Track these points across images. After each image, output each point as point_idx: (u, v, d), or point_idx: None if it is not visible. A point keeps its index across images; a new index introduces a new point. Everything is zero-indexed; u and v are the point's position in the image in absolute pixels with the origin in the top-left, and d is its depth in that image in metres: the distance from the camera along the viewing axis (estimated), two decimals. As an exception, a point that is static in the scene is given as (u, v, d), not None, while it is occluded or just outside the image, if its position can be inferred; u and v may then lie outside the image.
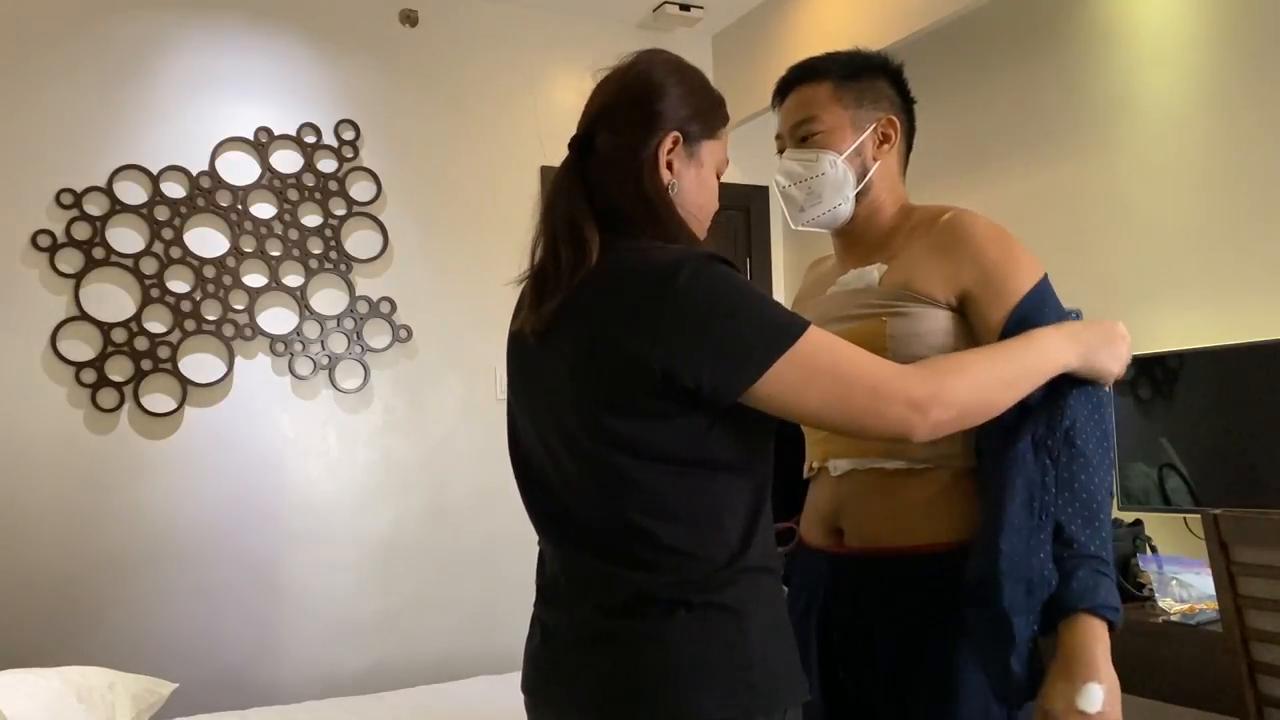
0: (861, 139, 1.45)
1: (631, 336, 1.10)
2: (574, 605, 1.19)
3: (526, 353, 1.24)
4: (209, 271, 3.32)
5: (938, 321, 1.36)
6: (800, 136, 1.47)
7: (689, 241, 1.18)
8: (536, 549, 1.29)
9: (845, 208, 1.46)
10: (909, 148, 1.53)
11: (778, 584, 1.21)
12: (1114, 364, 1.29)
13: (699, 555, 1.13)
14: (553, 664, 1.22)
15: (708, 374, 1.09)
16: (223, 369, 3.32)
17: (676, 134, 1.21)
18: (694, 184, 1.24)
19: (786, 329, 1.10)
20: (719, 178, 1.29)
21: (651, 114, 1.21)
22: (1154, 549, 2.58)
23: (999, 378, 1.19)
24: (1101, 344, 1.28)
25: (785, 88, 1.51)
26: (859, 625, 1.41)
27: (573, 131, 1.26)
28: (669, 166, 1.21)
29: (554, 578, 1.24)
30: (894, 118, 1.48)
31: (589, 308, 1.14)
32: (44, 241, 3.13)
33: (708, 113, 1.25)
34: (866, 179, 1.46)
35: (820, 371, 1.09)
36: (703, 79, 1.27)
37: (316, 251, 3.47)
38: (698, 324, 1.09)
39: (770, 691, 1.13)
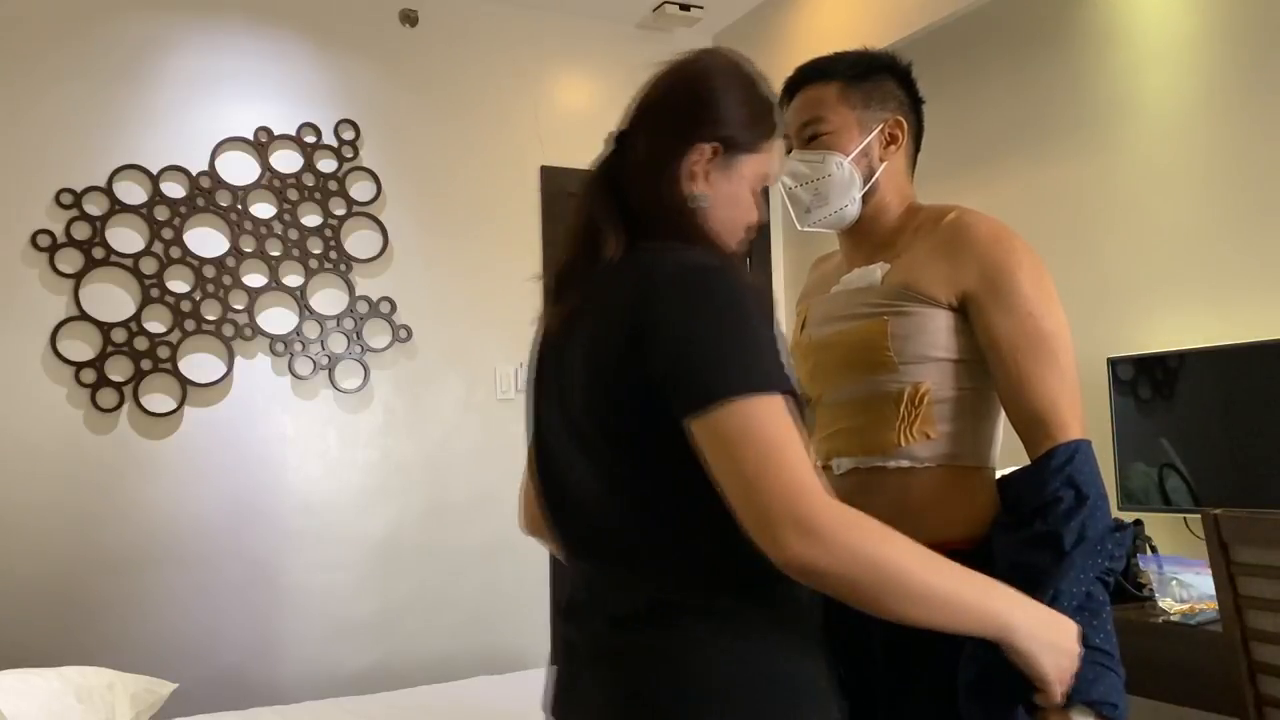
0: (868, 140, 1.45)
1: (636, 334, 1.05)
2: (589, 618, 1.15)
3: (549, 349, 1.20)
4: (209, 271, 3.32)
5: (939, 321, 1.36)
6: (807, 137, 1.47)
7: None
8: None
9: (852, 209, 1.46)
10: (917, 148, 1.53)
11: (801, 595, 1.12)
12: (1049, 668, 1.10)
13: (715, 565, 1.07)
14: (571, 681, 1.17)
15: (667, 377, 1.03)
16: (223, 369, 3.32)
17: (714, 145, 1.16)
18: (726, 198, 1.18)
19: (762, 376, 1.01)
20: (764, 189, 1.23)
21: (692, 120, 1.17)
22: (1154, 549, 2.58)
23: (918, 585, 1.01)
24: (1050, 639, 1.10)
25: (792, 88, 1.51)
26: (860, 623, 1.40)
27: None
28: (704, 178, 1.16)
29: (574, 590, 1.20)
30: (901, 118, 1.47)
31: (603, 305, 1.10)
32: (44, 241, 3.13)
33: (753, 125, 1.19)
34: (873, 180, 1.46)
35: (756, 440, 0.98)
36: (756, 88, 1.21)
37: (316, 251, 3.47)
38: (686, 330, 1.03)
39: (794, 707, 1.07)
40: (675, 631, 1.07)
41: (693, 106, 1.17)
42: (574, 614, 1.19)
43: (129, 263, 3.22)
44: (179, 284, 3.28)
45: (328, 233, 3.49)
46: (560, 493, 1.18)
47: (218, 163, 3.37)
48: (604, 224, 1.15)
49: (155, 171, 3.27)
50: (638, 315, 1.05)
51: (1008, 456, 1.41)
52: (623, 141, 1.19)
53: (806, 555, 0.97)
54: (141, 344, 3.22)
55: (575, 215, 1.19)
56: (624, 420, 1.08)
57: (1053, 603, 1.19)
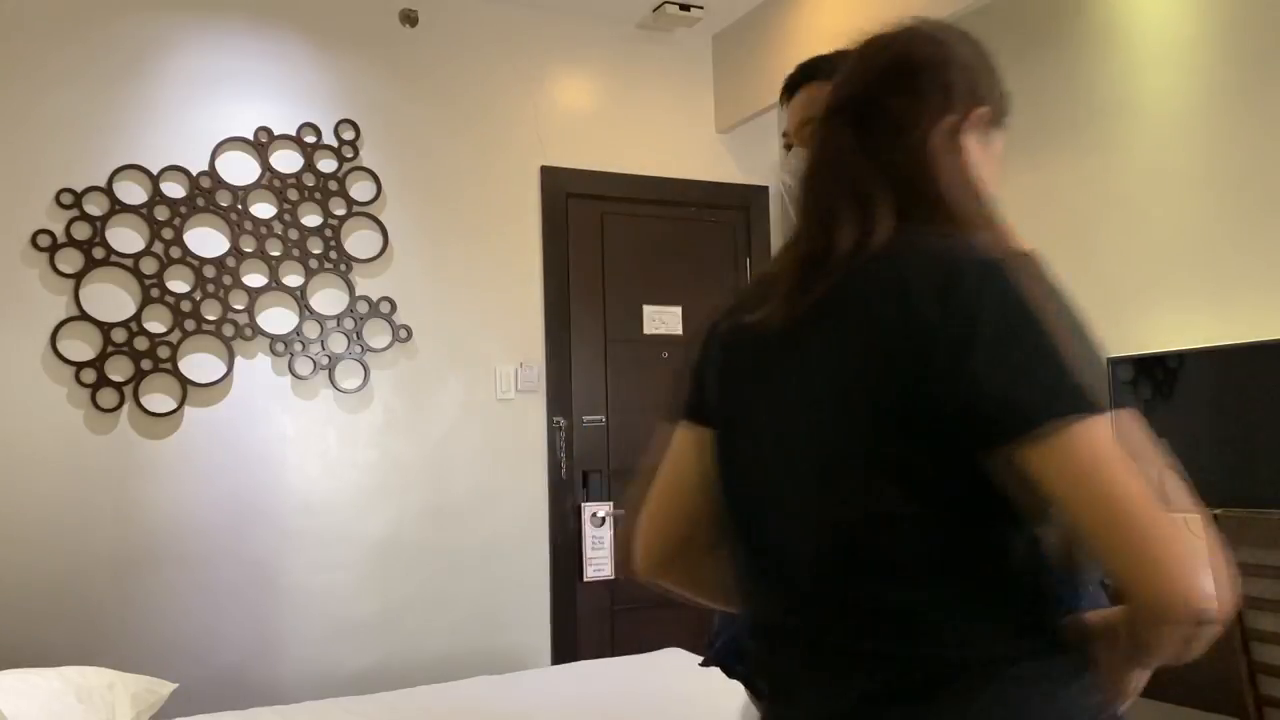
0: (868, 139, 1.45)
1: (924, 334, 0.86)
2: (821, 693, 0.93)
3: (764, 353, 0.98)
4: (209, 271, 3.32)
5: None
6: (807, 135, 1.47)
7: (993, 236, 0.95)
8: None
9: (851, 208, 1.46)
10: (917, 147, 1.53)
11: (1083, 664, 0.92)
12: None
13: (986, 622, 0.88)
14: None
15: (992, 392, 0.84)
16: (223, 369, 3.32)
17: (984, 110, 1.00)
18: (989, 175, 1.02)
19: (1099, 393, 0.84)
20: None
21: (953, 85, 0.99)
22: (1154, 549, 2.58)
23: None
24: None
25: (793, 85, 1.51)
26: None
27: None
28: (973, 150, 1.00)
29: (783, 652, 0.97)
30: (901, 118, 1.47)
31: (872, 297, 0.90)
32: (44, 241, 3.13)
33: (1002, 98, 1.04)
34: (873, 179, 1.46)
35: (1124, 467, 0.82)
36: (991, 57, 1.07)
37: (316, 251, 3.47)
38: (1004, 333, 0.85)
39: None
40: (961, 706, 0.87)
41: (951, 67, 1.00)
42: (788, 683, 0.97)
43: (129, 263, 3.22)
44: (179, 284, 3.28)
45: (328, 233, 3.49)
46: (783, 534, 0.96)
47: (218, 163, 3.37)
48: (872, 201, 0.95)
49: (155, 171, 3.27)
50: (943, 315, 0.86)
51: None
52: (858, 112, 1.00)
53: (1210, 597, 0.79)
54: (141, 344, 3.22)
55: (812, 194, 1.01)
56: (904, 444, 0.88)
57: None
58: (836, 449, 0.91)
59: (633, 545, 1.13)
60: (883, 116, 0.98)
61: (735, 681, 1.67)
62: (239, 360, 3.36)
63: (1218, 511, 1.96)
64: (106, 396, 3.18)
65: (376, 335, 3.55)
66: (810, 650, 0.94)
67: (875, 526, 0.89)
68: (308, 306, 3.45)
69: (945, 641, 0.88)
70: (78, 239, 3.17)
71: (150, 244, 3.25)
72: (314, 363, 3.45)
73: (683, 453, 1.09)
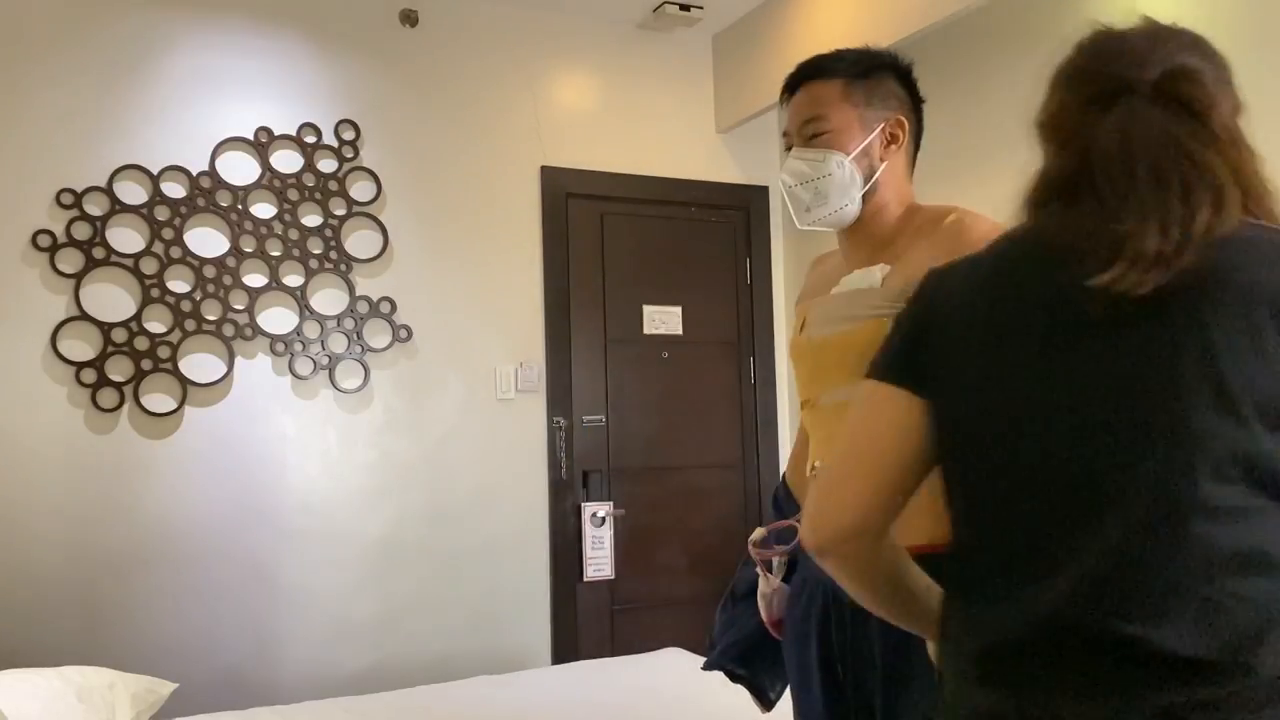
0: (869, 139, 1.45)
1: None
2: (1103, 706, 0.86)
3: (1082, 325, 0.91)
4: (209, 271, 3.32)
5: (941, 323, 1.36)
6: (808, 134, 1.47)
7: None
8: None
9: (851, 209, 1.46)
10: (917, 147, 1.53)
11: None
12: None
13: None
14: None
15: None
16: (223, 369, 3.32)
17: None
18: None
19: None
20: None
21: (1231, 83, 1.02)
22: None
23: None
24: None
25: (794, 84, 1.51)
26: (859, 624, 1.41)
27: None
28: None
29: (1041, 660, 0.90)
30: (902, 118, 1.48)
31: (1250, 278, 0.88)
32: (44, 241, 3.13)
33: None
34: (873, 180, 1.46)
35: None
36: None
37: (316, 251, 3.47)
38: None
39: None
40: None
41: (1230, 72, 1.02)
42: (1059, 697, 0.89)
43: (129, 263, 3.22)
44: (179, 284, 3.28)
45: (328, 233, 3.49)
46: (1067, 523, 0.90)
47: (218, 163, 3.37)
48: (1218, 188, 0.93)
49: (155, 171, 3.27)
50: None
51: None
52: (1174, 92, 0.98)
53: None
54: (142, 344, 3.22)
55: (1159, 161, 0.95)
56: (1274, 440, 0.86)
57: None
58: (1180, 433, 0.86)
59: (810, 511, 1.06)
60: (1192, 103, 0.97)
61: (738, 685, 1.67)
62: (239, 360, 3.36)
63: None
64: (106, 396, 3.18)
65: (376, 335, 3.55)
66: (1090, 657, 0.87)
67: (1209, 519, 0.85)
68: (308, 306, 3.45)
69: (1270, 651, 0.83)
70: (78, 239, 3.17)
71: (150, 244, 3.25)
72: (314, 363, 3.45)
73: (890, 419, 1.02)
